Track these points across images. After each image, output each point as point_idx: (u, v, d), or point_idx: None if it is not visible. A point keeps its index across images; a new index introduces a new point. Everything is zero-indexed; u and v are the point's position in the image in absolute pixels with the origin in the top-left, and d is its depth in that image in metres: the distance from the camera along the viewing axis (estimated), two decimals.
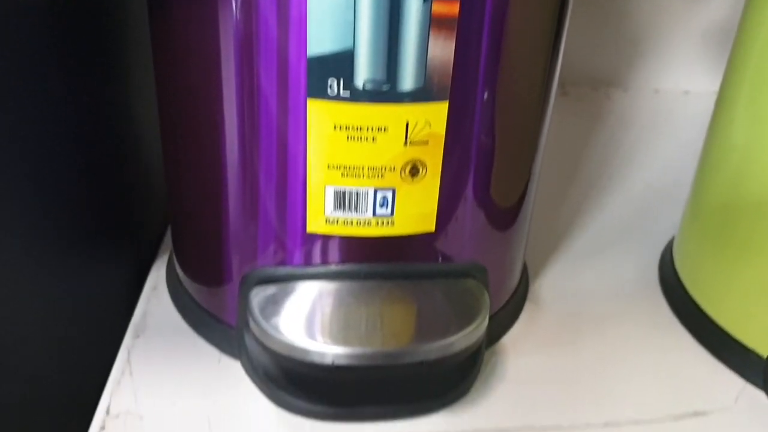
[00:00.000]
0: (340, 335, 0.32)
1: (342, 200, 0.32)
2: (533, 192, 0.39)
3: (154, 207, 0.46)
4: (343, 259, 0.34)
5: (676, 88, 0.70)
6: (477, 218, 0.35)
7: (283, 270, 0.34)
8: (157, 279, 0.43)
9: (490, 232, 0.37)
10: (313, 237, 0.33)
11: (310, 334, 0.32)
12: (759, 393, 0.37)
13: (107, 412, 0.34)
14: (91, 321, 0.40)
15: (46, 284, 0.37)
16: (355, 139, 0.30)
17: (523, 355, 0.39)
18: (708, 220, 0.40)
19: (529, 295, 0.44)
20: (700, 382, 0.38)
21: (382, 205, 0.32)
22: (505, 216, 0.38)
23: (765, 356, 0.37)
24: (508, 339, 0.40)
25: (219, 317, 0.38)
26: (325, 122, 0.30)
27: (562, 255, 0.48)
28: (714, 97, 0.41)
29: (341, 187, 0.32)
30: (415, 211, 0.33)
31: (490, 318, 0.38)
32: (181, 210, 0.38)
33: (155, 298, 0.42)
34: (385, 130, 0.30)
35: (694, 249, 0.42)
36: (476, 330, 0.33)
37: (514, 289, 0.42)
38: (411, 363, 0.32)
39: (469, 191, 0.34)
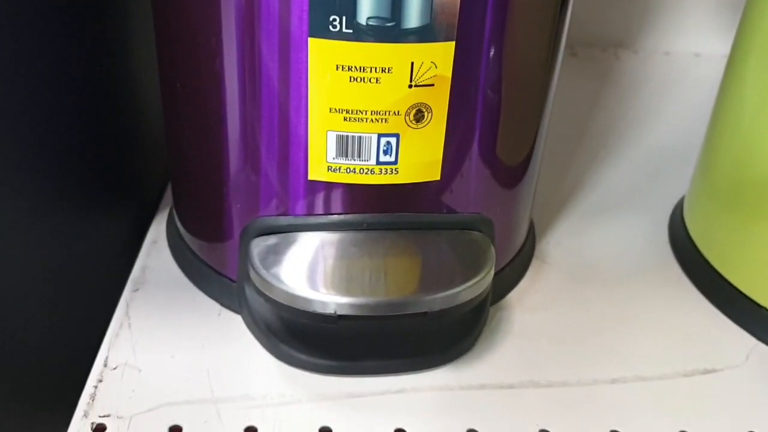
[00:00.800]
0: (342, 285, 0.31)
1: (344, 146, 0.31)
2: (540, 149, 0.38)
3: (155, 161, 0.45)
4: (346, 209, 0.33)
5: (686, 51, 0.68)
6: (483, 170, 0.34)
7: (284, 220, 0.33)
8: (156, 233, 0.43)
9: (496, 185, 0.36)
10: (315, 185, 0.32)
11: (312, 284, 0.31)
12: None
13: (105, 364, 0.33)
14: (90, 275, 0.40)
15: (45, 238, 0.37)
16: (358, 80, 0.29)
17: (529, 311, 0.38)
18: (719, 179, 0.39)
19: (536, 253, 0.43)
20: (710, 339, 0.37)
21: (385, 152, 0.31)
22: (511, 169, 0.36)
23: None
24: (514, 295, 0.40)
25: (219, 271, 0.37)
26: (327, 62, 0.29)
27: (570, 214, 0.47)
28: (725, 60, 0.40)
29: (343, 133, 0.30)
30: (420, 159, 0.32)
31: (496, 274, 0.37)
32: (181, 160, 0.37)
33: (155, 252, 0.41)
34: (389, 71, 0.29)
35: (705, 208, 0.41)
36: (481, 282, 0.32)
37: (521, 246, 0.41)
38: (414, 313, 0.31)
39: (475, 141, 0.33)
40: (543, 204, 0.47)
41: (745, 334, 0.37)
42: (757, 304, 0.37)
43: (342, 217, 0.33)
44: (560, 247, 0.44)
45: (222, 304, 0.37)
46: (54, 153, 0.35)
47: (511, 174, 0.37)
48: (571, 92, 0.60)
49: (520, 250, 0.41)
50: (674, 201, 0.47)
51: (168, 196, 0.45)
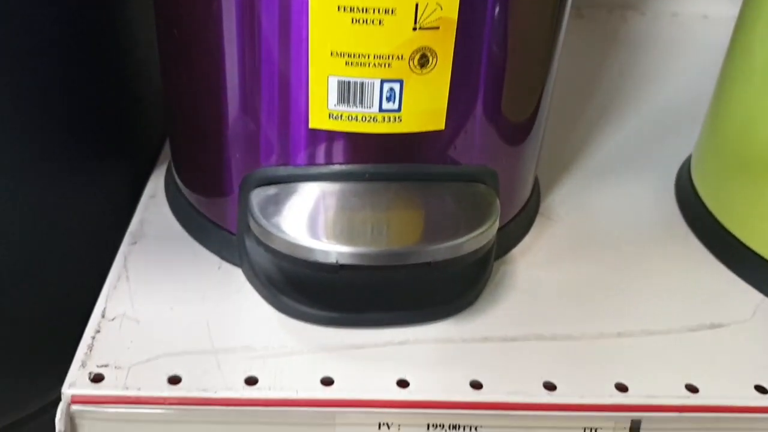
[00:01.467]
0: (344, 234, 0.30)
1: (346, 92, 0.30)
2: (546, 105, 0.37)
3: (153, 116, 0.45)
4: (348, 159, 0.32)
5: (694, 12, 0.67)
6: (488, 121, 0.34)
7: (284, 170, 0.33)
8: (155, 188, 0.42)
9: (501, 138, 0.35)
10: (316, 134, 0.32)
11: (314, 233, 0.30)
12: None
13: (103, 315, 0.33)
14: (88, 230, 0.39)
15: (44, 191, 0.36)
16: (361, 21, 0.28)
17: (533, 267, 0.38)
18: (728, 137, 0.39)
19: (541, 210, 0.42)
20: (717, 295, 0.37)
21: (389, 99, 0.30)
22: (517, 122, 0.36)
23: None
24: (518, 251, 0.39)
25: (219, 224, 0.37)
26: (328, 2, 0.28)
27: (575, 172, 0.46)
28: (733, 22, 0.39)
29: (345, 78, 0.30)
30: (424, 107, 0.31)
31: (500, 229, 0.36)
32: (179, 111, 0.37)
33: (153, 206, 0.40)
34: (392, 12, 0.28)
35: (713, 165, 0.40)
36: (486, 232, 0.32)
37: (525, 202, 0.40)
38: (418, 264, 0.30)
39: (480, 91, 0.32)
40: (548, 162, 0.46)
41: (752, 289, 0.37)
42: (764, 259, 0.36)
43: (343, 167, 0.32)
44: (565, 204, 0.43)
45: (222, 258, 0.37)
46: (52, 106, 0.35)
47: (517, 127, 0.36)
48: (577, 53, 0.59)
49: (524, 206, 0.40)
50: (681, 160, 0.46)
51: (166, 151, 0.44)
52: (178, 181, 0.39)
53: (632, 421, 0.30)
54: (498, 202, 0.33)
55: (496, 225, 0.32)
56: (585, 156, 0.48)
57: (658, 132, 0.51)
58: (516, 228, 0.39)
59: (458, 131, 0.33)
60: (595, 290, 0.36)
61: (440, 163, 0.33)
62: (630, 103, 0.54)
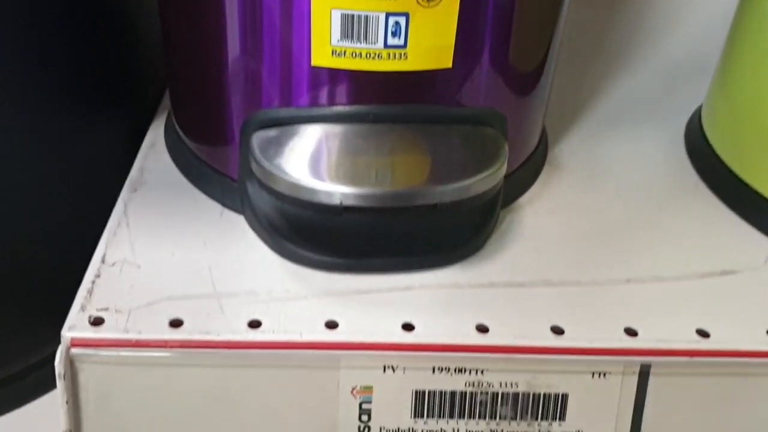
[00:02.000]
0: (348, 175, 0.29)
1: (350, 27, 0.29)
2: (555, 51, 0.36)
3: (153, 64, 0.44)
4: (352, 99, 0.31)
5: None
6: (496, 62, 0.33)
7: (286, 111, 0.32)
8: (155, 137, 0.41)
9: (509, 80, 0.34)
10: (319, 72, 0.31)
11: (317, 174, 0.29)
12: None
13: (103, 261, 0.32)
14: (87, 180, 0.39)
15: (43, 138, 0.36)
16: None
17: (541, 215, 0.37)
18: (739, 84, 0.38)
19: (549, 159, 0.41)
20: (728, 243, 0.36)
21: (394, 34, 0.29)
22: (525, 65, 0.35)
23: None
24: (526, 199, 0.38)
25: (220, 170, 0.36)
26: None
27: (584, 122, 0.45)
28: None
29: (349, 11, 0.29)
30: (431, 43, 0.30)
31: (507, 176, 0.36)
32: (177, 53, 0.36)
33: (153, 154, 0.40)
34: None
35: (725, 114, 0.39)
36: (494, 175, 0.31)
37: (533, 150, 0.39)
38: (424, 206, 0.30)
39: (488, 29, 0.31)
40: (557, 112, 0.45)
41: (765, 237, 0.36)
42: None
43: (347, 108, 0.31)
44: (574, 154, 0.42)
45: (224, 205, 0.36)
46: (51, 56, 0.34)
47: (525, 70, 0.35)
48: (588, 2, 0.57)
49: (532, 154, 0.39)
50: (691, 110, 0.45)
51: (166, 101, 0.43)
52: (178, 128, 0.39)
53: (642, 365, 0.29)
54: (506, 145, 0.32)
55: (504, 168, 0.32)
56: (594, 106, 0.47)
57: (668, 82, 0.49)
58: (523, 176, 0.38)
59: (465, 72, 0.32)
60: (604, 238, 0.36)
61: (447, 105, 0.32)
62: (640, 53, 0.53)
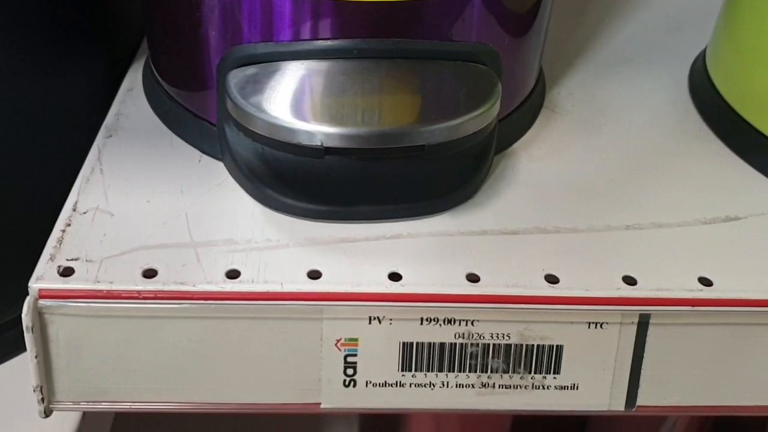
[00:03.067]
0: (330, 114, 0.28)
1: None
2: None
3: (130, 7, 0.41)
4: (335, 33, 0.29)
5: None
6: None
7: (264, 47, 0.30)
8: (133, 81, 0.39)
9: (503, 14, 0.32)
10: (298, 4, 0.28)
11: (296, 113, 0.28)
12: None
13: (74, 209, 0.31)
14: (63, 126, 0.37)
15: (16, 86, 0.34)
16: None
17: (537, 160, 0.35)
18: (745, 25, 0.36)
19: (546, 103, 0.39)
20: (733, 188, 0.34)
21: None
22: (520, 2, 0.33)
23: None
24: (521, 144, 0.36)
25: (199, 114, 0.34)
26: None
27: (583, 65, 0.43)
28: None
29: None
30: None
31: (502, 120, 0.34)
32: None
33: (130, 99, 0.38)
34: None
35: (730, 56, 0.37)
36: (485, 114, 0.29)
37: (529, 92, 0.37)
38: (411, 147, 0.28)
39: None
40: (555, 55, 0.43)
41: None
42: None
43: (329, 42, 0.29)
44: (572, 97, 0.40)
45: (202, 151, 0.34)
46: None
47: (520, 7, 0.33)
48: None
49: (528, 97, 0.37)
50: (695, 53, 0.43)
51: (145, 46, 0.41)
52: (156, 71, 0.37)
53: (641, 315, 0.28)
54: (499, 84, 0.30)
55: (497, 107, 0.30)
56: (593, 49, 0.45)
57: (671, 24, 0.47)
58: (518, 120, 0.36)
59: (456, 4, 0.30)
60: (603, 183, 0.34)
61: (436, 39, 0.30)
62: None
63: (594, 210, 0.32)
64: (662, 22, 0.48)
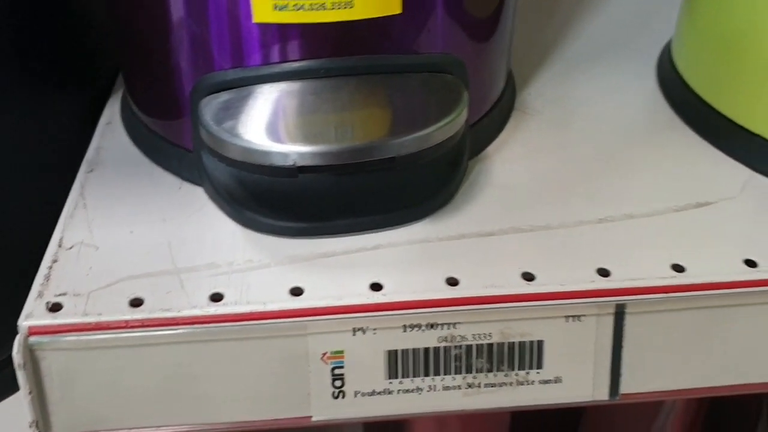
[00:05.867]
0: (300, 133, 0.28)
1: None
2: None
3: (106, 41, 0.42)
4: (302, 55, 0.30)
5: None
6: (451, 4, 0.31)
7: (233, 74, 0.30)
8: (111, 115, 0.40)
9: (466, 23, 0.33)
10: (263, 29, 0.29)
11: (268, 135, 0.28)
12: (765, 180, 0.34)
13: (60, 245, 0.31)
14: (43, 159, 0.37)
15: None
16: None
17: (510, 161, 0.36)
18: (706, 13, 0.37)
19: (517, 105, 0.40)
20: (704, 174, 0.35)
21: None
22: (481, 8, 0.33)
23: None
24: (494, 147, 0.37)
25: (176, 142, 0.35)
26: None
27: (552, 64, 0.44)
28: None
29: None
30: None
31: (473, 125, 0.35)
32: (122, 24, 0.34)
33: (109, 132, 0.38)
34: None
35: (694, 44, 0.38)
36: (453, 123, 0.30)
37: (499, 96, 0.38)
38: (383, 160, 0.28)
39: None
40: (524, 55, 0.44)
41: (740, 165, 0.35)
42: (752, 133, 0.35)
43: (297, 64, 0.30)
44: (542, 97, 0.41)
45: (182, 177, 0.35)
46: (4, 34, 0.33)
47: (482, 13, 0.33)
48: None
49: (497, 101, 0.38)
50: (661, 44, 0.44)
51: (122, 79, 0.42)
52: (132, 103, 0.37)
53: (616, 305, 0.28)
54: (466, 91, 0.31)
55: (464, 115, 0.30)
56: (561, 46, 0.45)
57: (637, 17, 0.48)
58: (489, 124, 0.37)
59: (417, 17, 0.31)
60: (575, 180, 0.35)
61: (400, 53, 0.31)
62: None
63: (567, 206, 0.33)
64: (630, 14, 0.48)
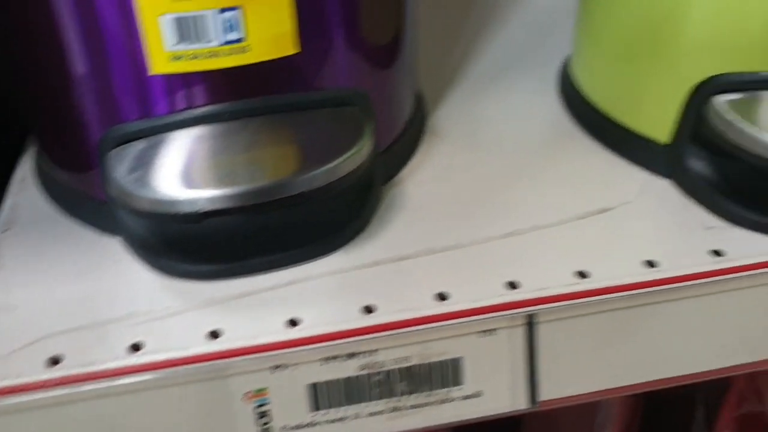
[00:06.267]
0: (207, 178, 0.29)
1: (182, 30, 0.28)
2: (412, 19, 0.36)
3: (17, 98, 0.42)
4: (204, 101, 0.31)
5: None
6: (347, 39, 0.32)
7: (136, 125, 0.31)
8: (25, 171, 0.40)
9: (365, 56, 0.34)
10: (162, 80, 0.30)
11: (175, 183, 0.29)
12: (661, 182, 0.36)
13: None
14: None
15: None
16: None
17: (422, 184, 0.37)
18: (595, 24, 0.39)
19: (429, 127, 0.41)
20: (605, 181, 0.37)
21: (230, 30, 0.29)
22: (380, 39, 0.34)
23: (663, 142, 0.36)
24: (407, 171, 0.38)
25: (90, 194, 0.35)
26: None
27: (460, 84, 0.45)
28: None
29: (178, 14, 0.28)
30: (270, 32, 0.29)
31: (384, 152, 0.36)
32: (28, 83, 0.34)
33: (24, 190, 0.38)
34: None
35: (588, 56, 0.40)
36: (357, 154, 0.31)
37: (408, 121, 0.39)
38: (291, 196, 0.29)
39: (333, 6, 0.31)
40: (433, 78, 0.45)
41: (638, 170, 0.37)
42: (645, 138, 0.37)
43: (201, 110, 0.31)
44: (452, 118, 0.42)
45: (99, 229, 0.35)
46: None
47: (381, 43, 0.35)
48: None
49: (407, 126, 0.39)
50: (562, 58, 0.46)
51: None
52: (44, 158, 0.37)
53: (526, 316, 0.30)
54: (370, 122, 0.32)
55: (368, 145, 0.31)
56: (469, 66, 0.47)
57: (539, 31, 0.50)
58: (400, 149, 0.38)
59: (315, 55, 0.32)
60: (485, 197, 0.36)
61: (304, 90, 0.32)
62: (509, 6, 0.53)
63: (477, 223, 0.34)
64: (531, 28, 0.50)
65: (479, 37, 0.50)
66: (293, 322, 0.29)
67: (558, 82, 0.44)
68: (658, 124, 0.36)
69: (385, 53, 0.35)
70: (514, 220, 0.34)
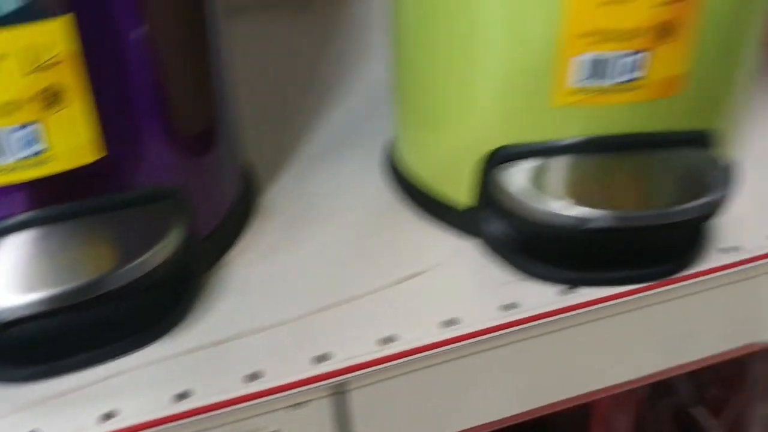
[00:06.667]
0: (7, 287, 0.30)
1: None
2: (228, 108, 0.38)
3: None
4: (9, 211, 0.32)
5: None
6: (156, 136, 0.34)
7: None
8: None
9: (176, 149, 0.35)
10: None
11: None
12: (470, 243, 0.39)
13: None
14: None
15: None
16: None
17: (251, 264, 0.39)
18: (404, 100, 0.41)
19: (261, 206, 0.43)
20: (421, 246, 0.39)
21: (29, 144, 0.30)
22: (191, 128, 0.36)
23: (469, 206, 0.39)
24: (236, 252, 0.40)
25: None
26: None
27: (297, 159, 0.47)
28: None
29: None
30: (70, 144, 0.31)
31: (207, 237, 0.37)
32: None
33: None
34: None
35: (402, 128, 0.43)
36: (164, 248, 0.32)
37: (234, 203, 0.41)
38: (96, 297, 0.30)
39: (137, 112, 0.33)
40: (268, 155, 0.47)
41: (451, 234, 0.40)
42: (455, 204, 0.39)
43: (8, 221, 0.32)
44: (283, 195, 0.44)
45: None
46: None
47: (194, 133, 0.36)
48: (293, 44, 0.61)
49: (232, 208, 0.40)
50: (391, 132, 0.49)
51: None
52: None
53: (336, 386, 0.31)
54: (179, 216, 0.34)
55: (175, 239, 0.33)
56: (305, 143, 0.49)
57: (370, 108, 0.53)
58: (226, 232, 0.40)
59: (122, 156, 0.33)
60: (308, 272, 0.38)
61: (114, 191, 0.33)
62: (346, 81, 0.56)
63: (297, 300, 0.36)
64: (363, 106, 0.53)
65: (316, 113, 0.52)
66: (108, 416, 0.30)
67: (385, 155, 0.47)
68: (462, 189, 0.39)
69: (199, 144, 0.37)
70: (334, 293, 0.36)
